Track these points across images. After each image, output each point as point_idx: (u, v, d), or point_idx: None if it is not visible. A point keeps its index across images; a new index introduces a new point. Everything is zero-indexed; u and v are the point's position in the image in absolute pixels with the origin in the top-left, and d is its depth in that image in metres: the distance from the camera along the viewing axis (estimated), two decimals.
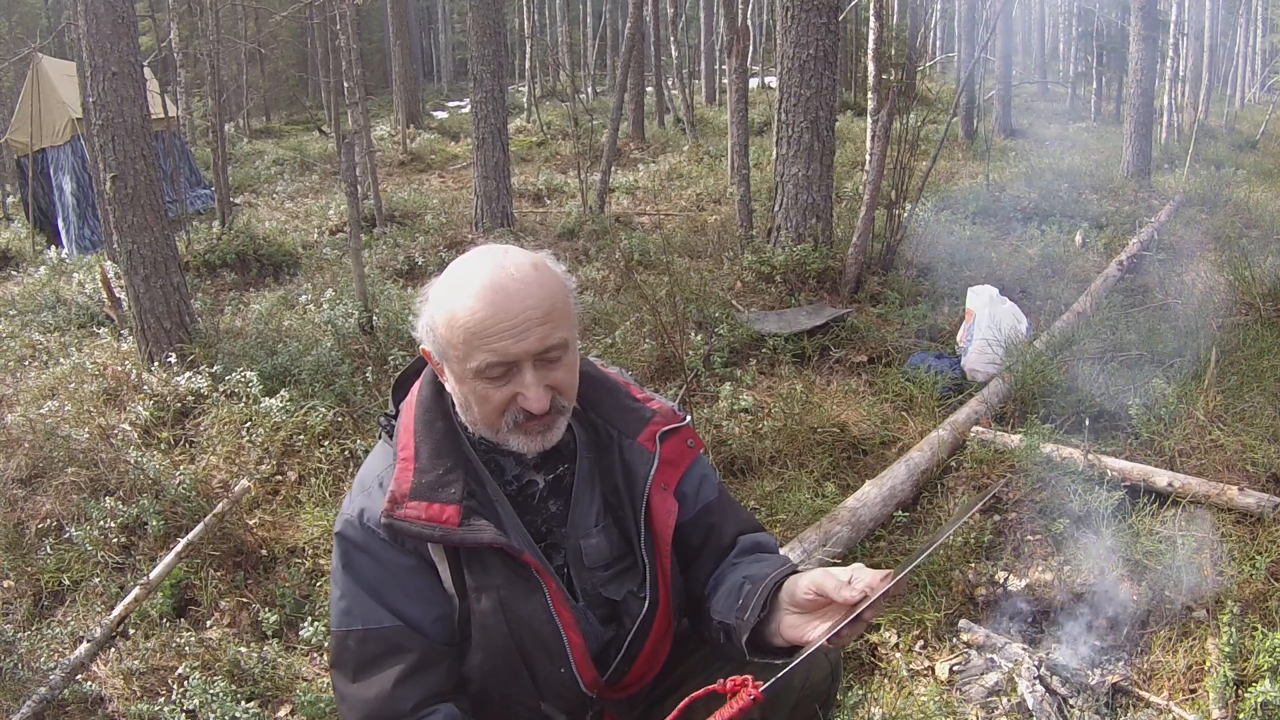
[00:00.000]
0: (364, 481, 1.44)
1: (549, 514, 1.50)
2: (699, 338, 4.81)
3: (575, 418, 1.51)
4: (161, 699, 2.68)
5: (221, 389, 4.37)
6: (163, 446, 4.18)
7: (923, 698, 2.44)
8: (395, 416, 1.50)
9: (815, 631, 1.30)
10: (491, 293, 1.30)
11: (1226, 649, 2.44)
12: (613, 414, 1.53)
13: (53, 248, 9.38)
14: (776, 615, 1.36)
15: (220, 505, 3.52)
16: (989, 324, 4.59)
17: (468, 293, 1.31)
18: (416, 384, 1.51)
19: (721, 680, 1.23)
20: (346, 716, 1.38)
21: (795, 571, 1.39)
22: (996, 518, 3.27)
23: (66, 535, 3.46)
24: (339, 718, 1.40)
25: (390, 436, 1.47)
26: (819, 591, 1.28)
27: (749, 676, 1.23)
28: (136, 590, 3.09)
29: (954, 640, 2.72)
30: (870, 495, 3.29)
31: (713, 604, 1.50)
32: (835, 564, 2.71)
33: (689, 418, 1.59)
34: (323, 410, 4.11)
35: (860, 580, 1.24)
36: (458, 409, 1.44)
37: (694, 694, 1.26)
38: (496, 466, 1.47)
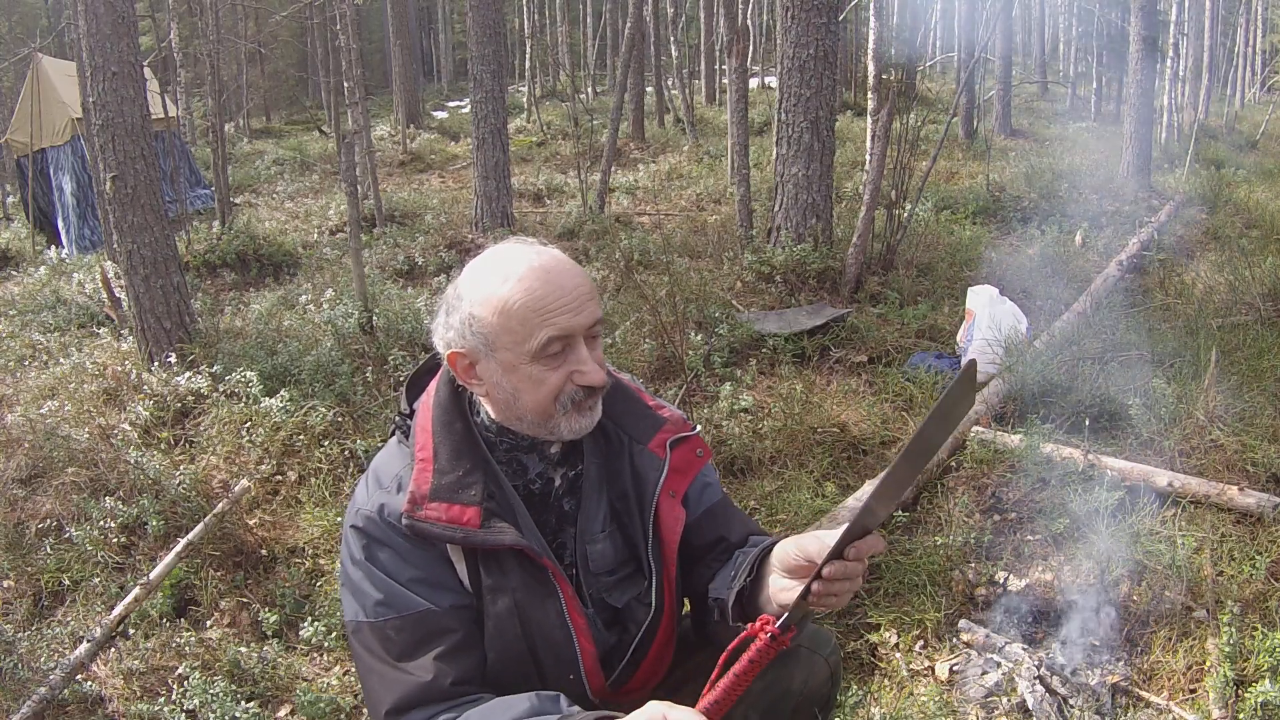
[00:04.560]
0: (380, 479, 1.42)
1: (562, 511, 1.50)
2: (699, 338, 4.80)
3: None
4: (161, 699, 2.68)
5: (221, 389, 4.37)
6: (163, 446, 4.18)
7: (923, 698, 2.44)
8: (410, 416, 1.49)
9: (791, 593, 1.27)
10: (543, 273, 1.34)
11: (1226, 649, 2.44)
12: (625, 419, 1.53)
13: (53, 248, 9.38)
14: (765, 581, 1.35)
15: (220, 505, 3.52)
16: (989, 324, 4.59)
17: (516, 277, 1.33)
18: (432, 383, 1.49)
19: (750, 625, 1.24)
20: (382, 697, 1.35)
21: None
22: (996, 518, 3.27)
23: (66, 535, 3.46)
24: (372, 699, 1.37)
25: (406, 436, 1.46)
26: (804, 553, 1.28)
27: (769, 617, 1.23)
28: (136, 590, 3.09)
29: (954, 640, 2.72)
30: None
31: (710, 589, 1.51)
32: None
33: (698, 428, 1.59)
34: (323, 410, 4.11)
35: (853, 548, 1.21)
36: (495, 407, 1.43)
37: (729, 647, 1.25)
38: (519, 466, 1.47)
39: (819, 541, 1.26)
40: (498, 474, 1.43)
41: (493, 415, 1.44)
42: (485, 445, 1.45)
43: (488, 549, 1.37)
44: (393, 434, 1.50)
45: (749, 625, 1.24)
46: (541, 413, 1.38)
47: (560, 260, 1.37)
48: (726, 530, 1.56)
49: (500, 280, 1.34)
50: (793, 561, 1.30)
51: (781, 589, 1.31)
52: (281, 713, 2.68)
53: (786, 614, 1.23)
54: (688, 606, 1.65)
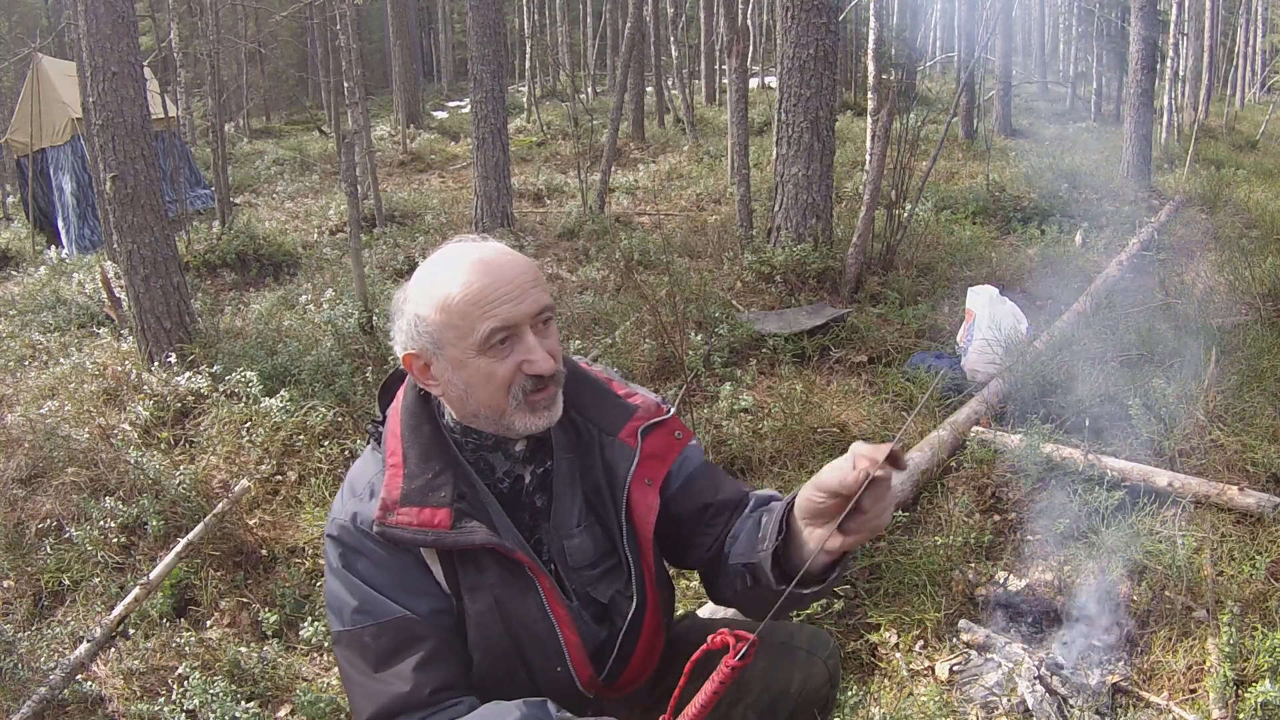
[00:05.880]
0: (354, 486, 1.43)
1: (535, 508, 1.49)
2: (699, 338, 4.81)
3: None
4: (161, 699, 2.68)
5: (221, 389, 4.37)
6: (163, 446, 4.18)
7: (923, 698, 2.44)
8: (382, 423, 1.49)
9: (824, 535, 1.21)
10: (481, 265, 1.34)
11: (1226, 649, 2.44)
12: (594, 412, 1.52)
13: (53, 248, 9.38)
14: (798, 536, 1.29)
15: (220, 505, 3.52)
16: (989, 324, 4.59)
17: (456, 273, 1.33)
18: (401, 389, 1.50)
19: (711, 637, 1.20)
20: (363, 708, 1.35)
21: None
22: (996, 518, 3.27)
23: (66, 535, 3.46)
24: (354, 710, 1.38)
25: (379, 443, 1.46)
26: (824, 489, 1.19)
27: (725, 631, 1.20)
28: (136, 590, 3.09)
29: (954, 640, 2.71)
30: None
31: (732, 554, 1.44)
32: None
33: (672, 409, 1.56)
34: (323, 410, 4.11)
35: (862, 457, 1.15)
36: (451, 406, 1.43)
37: (693, 657, 1.22)
38: (486, 466, 1.47)
39: (834, 470, 1.18)
40: (469, 474, 1.43)
41: (454, 415, 1.44)
42: (454, 446, 1.45)
43: (461, 549, 1.37)
44: (368, 442, 1.51)
45: (711, 639, 1.20)
46: (494, 407, 1.38)
47: (501, 251, 1.37)
48: (711, 495, 1.53)
49: (440, 278, 1.35)
50: (817, 505, 1.22)
51: (819, 539, 1.24)
52: (281, 713, 2.68)
53: (772, 612, 1.23)
54: (699, 580, 1.61)
